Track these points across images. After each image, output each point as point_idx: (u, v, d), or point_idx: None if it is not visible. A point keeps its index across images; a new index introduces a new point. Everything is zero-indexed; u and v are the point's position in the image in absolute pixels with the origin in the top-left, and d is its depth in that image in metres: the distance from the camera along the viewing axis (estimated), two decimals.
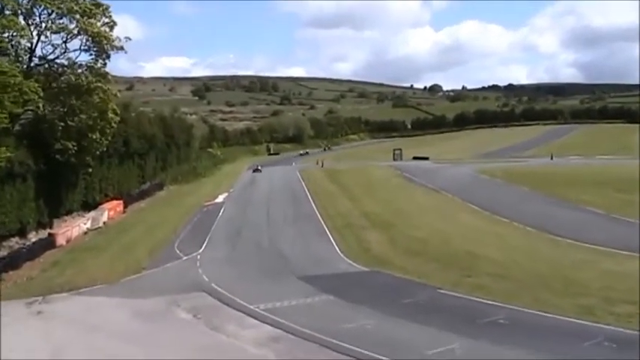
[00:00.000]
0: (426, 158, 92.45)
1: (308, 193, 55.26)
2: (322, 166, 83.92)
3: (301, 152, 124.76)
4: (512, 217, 38.23)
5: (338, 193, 54.65)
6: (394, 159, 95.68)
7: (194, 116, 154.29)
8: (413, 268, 27.11)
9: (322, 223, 40.02)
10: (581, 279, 23.79)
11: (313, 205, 48.23)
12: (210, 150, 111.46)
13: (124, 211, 50.82)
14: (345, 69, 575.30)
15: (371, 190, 55.99)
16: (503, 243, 31.70)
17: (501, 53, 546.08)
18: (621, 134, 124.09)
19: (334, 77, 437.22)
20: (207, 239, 36.48)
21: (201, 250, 33.45)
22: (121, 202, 51.38)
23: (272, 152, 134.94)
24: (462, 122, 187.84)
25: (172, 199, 59.98)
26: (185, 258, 31.86)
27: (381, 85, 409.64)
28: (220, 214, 46.35)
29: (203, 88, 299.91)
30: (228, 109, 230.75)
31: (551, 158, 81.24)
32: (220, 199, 55.24)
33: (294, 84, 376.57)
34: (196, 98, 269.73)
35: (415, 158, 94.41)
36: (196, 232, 39.39)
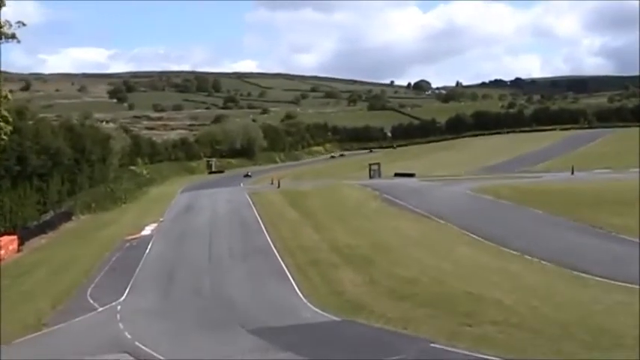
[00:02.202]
0: (412, 175, 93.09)
1: (261, 222, 54.99)
2: (279, 186, 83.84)
3: (247, 174, 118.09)
4: (524, 249, 38.40)
5: (300, 221, 54.48)
6: (371, 176, 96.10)
7: (112, 124, 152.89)
8: (398, 315, 26.95)
9: (280, 259, 39.77)
10: (616, 327, 23.88)
11: (268, 237, 47.95)
12: (133, 168, 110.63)
13: (19, 250, 50.01)
14: (308, 62, 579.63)
15: (342, 216, 55.91)
16: (513, 282, 31.78)
17: (508, 39, 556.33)
18: None
19: (294, 72, 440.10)
20: (130, 284, 35.92)
21: (122, 299, 32.93)
22: (15, 237, 50.49)
23: (214, 170, 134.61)
24: (456, 128, 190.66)
25: (84, 232, 59.15)
26: (101, 309, 31.31)
27: (354, 82, 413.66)
28: (147, 250, 45.79)
29: (124, 87, 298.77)
30: (156, 114, 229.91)
31: (572, 172, 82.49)
32: (147, 231, 54.69)
33: (242, 82, 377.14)
34: (115, 101, 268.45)
35: (398, 175, 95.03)
36: (116, 274, 38.82)
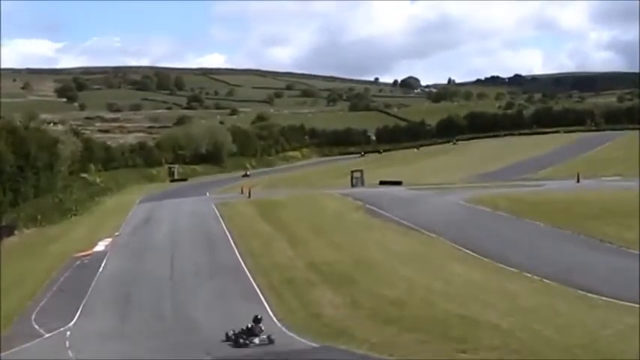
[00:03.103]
0: (399, 183, 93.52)
1: (229, 236, 54.95)
2: (249, 196, 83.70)
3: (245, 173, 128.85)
4: (525, 266, 38.63)
5: (274, 236, 54.49)
6: (353, 185, 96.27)
7: (60, 126, 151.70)
8: (383, 340, 26.96)
9: (250, 278, 39.73)
10: (627, 354, 24.01)
11: (237, 253, 47.92)
12: (84, 175, 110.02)
13: None
14: (282, 57, 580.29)
15: (321, 229, 55.99)
16: (512, 303, 31.93)
17: (506, 32, 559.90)
18: None
19: (267, 68, 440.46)
20: (81, 307, 35.63)
21: (72, 323, 32.68)
22: None
23: (177, 177, 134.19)
24: (448, 130, 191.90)
25: (29, 248, 58.70)
26: (48, 335, 31.01)
27: (334, 79, 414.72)
28: (101, 269, 45.47)
29: (74, 84, 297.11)
30: (111, 115, 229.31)
31: (578, 180, 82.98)
32: (101, 246, 54.29)
33: (208, 78, 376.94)
34: (64, 100, 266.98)
35: (383, 183, 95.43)
36: (65, 296, 38.50)
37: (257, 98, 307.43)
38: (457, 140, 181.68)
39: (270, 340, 26.69)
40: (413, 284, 36.34)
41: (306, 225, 58.82)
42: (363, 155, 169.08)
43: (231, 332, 27.24)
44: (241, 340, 26.64)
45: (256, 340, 26.60)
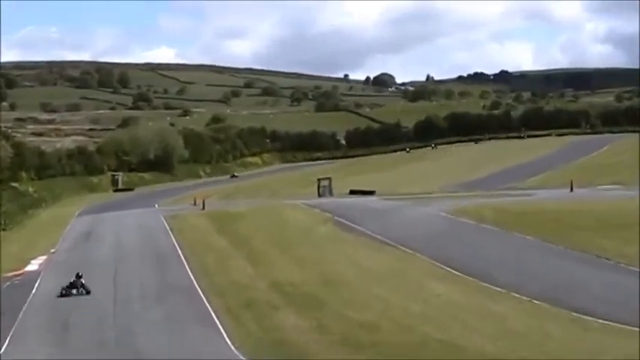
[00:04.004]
0: (372, 192, 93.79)
1: (181, 253, 54.78)
2: (203, 207, 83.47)
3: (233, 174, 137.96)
4: (512, 285, 38.86)
5: (231, 252, 54.41)
6: (320, 194, 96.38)
7: None
8: None
9: (205, 301, 39.63)
10: None
11: (190, 271, 47.82)
12: (15, 185, 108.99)
13: None
14: (241, 51, 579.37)
15: (285, 245, 55.92)
16: (499, 326, 32.12)
17: (492, 23, 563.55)
18: None
19: (223, 64, 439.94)
20: (11, 333, 35.17)
21: (1, 351, 32.38)
22: None
23: (121, 187, 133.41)
24: (427, 133, 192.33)
25: None
26: None
27: (299, 75, 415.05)
28: (35, 290, 44.97)
29: (2, 81, 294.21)
30: (45, 116, 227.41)
31: (571, 189, 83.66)
32: (35, 265, 53.86)
33: (157, 75, 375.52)
34: None
35: (354, 193, 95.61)
36: None
37: (212, 97, 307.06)
38: (436, 144, 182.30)
39: (87, 291, 41.91)
40: (388, 306, 36.42)
41: (268, 240, 58.66)
42: (408, 151, 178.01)
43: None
44: (63, 292, 41.75)
45: (74, 291, 41.78)
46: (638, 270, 40.40)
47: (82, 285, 42.14)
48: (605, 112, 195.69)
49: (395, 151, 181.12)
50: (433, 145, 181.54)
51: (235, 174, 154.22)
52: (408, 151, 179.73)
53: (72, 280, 42.30)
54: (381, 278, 43.52)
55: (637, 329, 29.84)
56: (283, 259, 50.29)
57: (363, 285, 41.91)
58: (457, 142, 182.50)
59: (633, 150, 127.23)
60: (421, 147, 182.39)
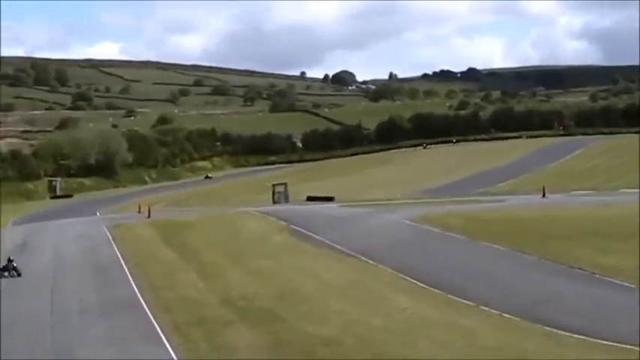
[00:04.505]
0: (331, 199, 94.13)
1: (125, 266, 54.20)
2: (149, 215, 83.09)
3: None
4: (482, 298, 38.94)
5: (180, 264, 54.01)
6: (275, 201, 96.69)
7: None
8: None
9: (151, 317, 39.20)
10: None
11: (134, 285, 47.34)
12: None
13: None
14: (190, 47, 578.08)
15: (238, 256, 55.58)
16: (469, 342, 32.15)
17: (460, 17, 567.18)
18: None
19: (171, 60, 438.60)
20: None
21: None
22: None
23: (59, 193, 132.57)
24: (390, 135, 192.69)
25: None
26: None
27: (252, 73, 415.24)
28: None
29: None
30: None
31: (544, 195, 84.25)
32: None
33: (98, 72, 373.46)
34: None
35: (312, 199, 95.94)
36: None
37: (158, 96, 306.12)
38: (400, 146, 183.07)
39: (19, 274, 49.87)
40: (349, 320, 36.27)
41: (219, 251, 58.30)
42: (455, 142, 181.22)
43: None
44: None
45: (6, 274, 49.41)
46: (614, 281, 40.81)
47: (14, 268, 50.01)
48: (579, 113, 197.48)
49: (355, 154, 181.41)
50: (425, 145, 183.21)
51: (209, 175, 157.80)
52: (425, 147, 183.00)
53: (5, 264, 50.17)
54: (341, 291, 43.41)
55: (614, 344, 30.15)
56: (236, 272, 49.99)
57: (323, 298, 41.76)
58: (422, 144, 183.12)
59: (608, 153, 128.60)
60: (383, 150, 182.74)
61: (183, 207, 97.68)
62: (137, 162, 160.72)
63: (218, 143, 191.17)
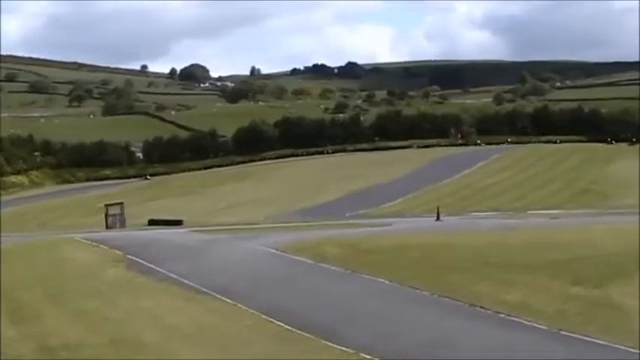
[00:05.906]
0: (179, 222, 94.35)
1: None
2: None
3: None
4: (364, 345, 38.71)
5: None
6: (108, 226, 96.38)
7: None
8: None
9: None
10: None
11: None
12: None
13: None
14: (3, 32, 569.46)
15: (60, 295, 54.35)
16: None
17: (338, 2, 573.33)
18: (585, 162, 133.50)
19: None
20: None
21: None
22: None
23: None
24: (252, 145, 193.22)
25: None
26: None
27: (80, 66, 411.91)
28: None
29: None
30: None
31: (438, 218, 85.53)
32: None
33: None
34: None
35: (154, 223, 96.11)
36: None
37: None
38: (264, 158, 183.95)
39: None
40: None
41: (36, 288, 56.66)
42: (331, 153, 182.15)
43: None
44: None
45: None
46: (521, 321, 41.26)
47: None
48: (480, 118, 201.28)
49: (209, 167, 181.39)
50: (262, 159, 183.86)
51: (147, 176, 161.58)
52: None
53: None
54: (190, 338, 42.86)
55: None
56: (57, 315, 48.80)
57: (167, 347, 40.98)
58: (291, 155, 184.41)
59: (515, 166, 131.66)
60: (244, 162, 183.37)
61: None
62: None
63: (37, 153, 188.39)
